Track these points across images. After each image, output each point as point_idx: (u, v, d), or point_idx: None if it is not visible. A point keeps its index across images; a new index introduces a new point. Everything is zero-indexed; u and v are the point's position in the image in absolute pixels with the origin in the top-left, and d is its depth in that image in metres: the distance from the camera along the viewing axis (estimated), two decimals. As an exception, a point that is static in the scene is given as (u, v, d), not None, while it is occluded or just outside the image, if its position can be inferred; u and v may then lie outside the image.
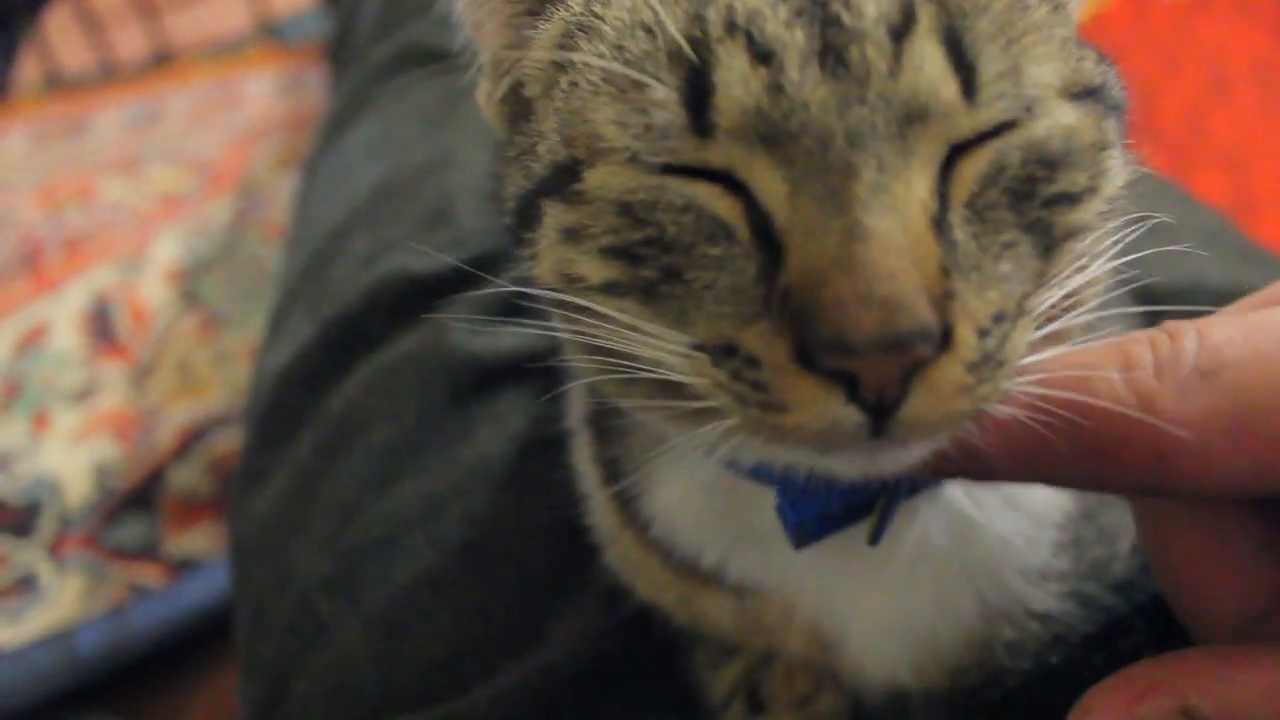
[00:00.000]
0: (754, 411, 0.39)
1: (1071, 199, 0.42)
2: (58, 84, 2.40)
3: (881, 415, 0.37)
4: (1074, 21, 0.47)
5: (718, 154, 0.40)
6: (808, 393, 0.37)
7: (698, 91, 0.39)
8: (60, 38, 2.48)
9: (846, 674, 0.61)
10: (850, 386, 0.37)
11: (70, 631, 1.22)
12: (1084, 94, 0.43)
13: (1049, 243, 0.42)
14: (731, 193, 0.40)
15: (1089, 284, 0.44)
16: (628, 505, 0.60)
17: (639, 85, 0.41)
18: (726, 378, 0.40)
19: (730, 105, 0.39)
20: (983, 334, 0.38)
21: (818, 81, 0.38)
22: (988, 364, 0.38)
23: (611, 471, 0.60)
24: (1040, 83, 0.41)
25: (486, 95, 0.52)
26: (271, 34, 2.42)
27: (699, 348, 0.41)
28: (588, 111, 0.43)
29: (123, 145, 2.10)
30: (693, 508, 0.58)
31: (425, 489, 0.80)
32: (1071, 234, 0.42)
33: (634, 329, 0.42)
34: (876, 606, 0.57)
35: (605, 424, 0.60)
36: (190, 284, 1.69)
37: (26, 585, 1.28)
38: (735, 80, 0.39)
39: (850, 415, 0.37)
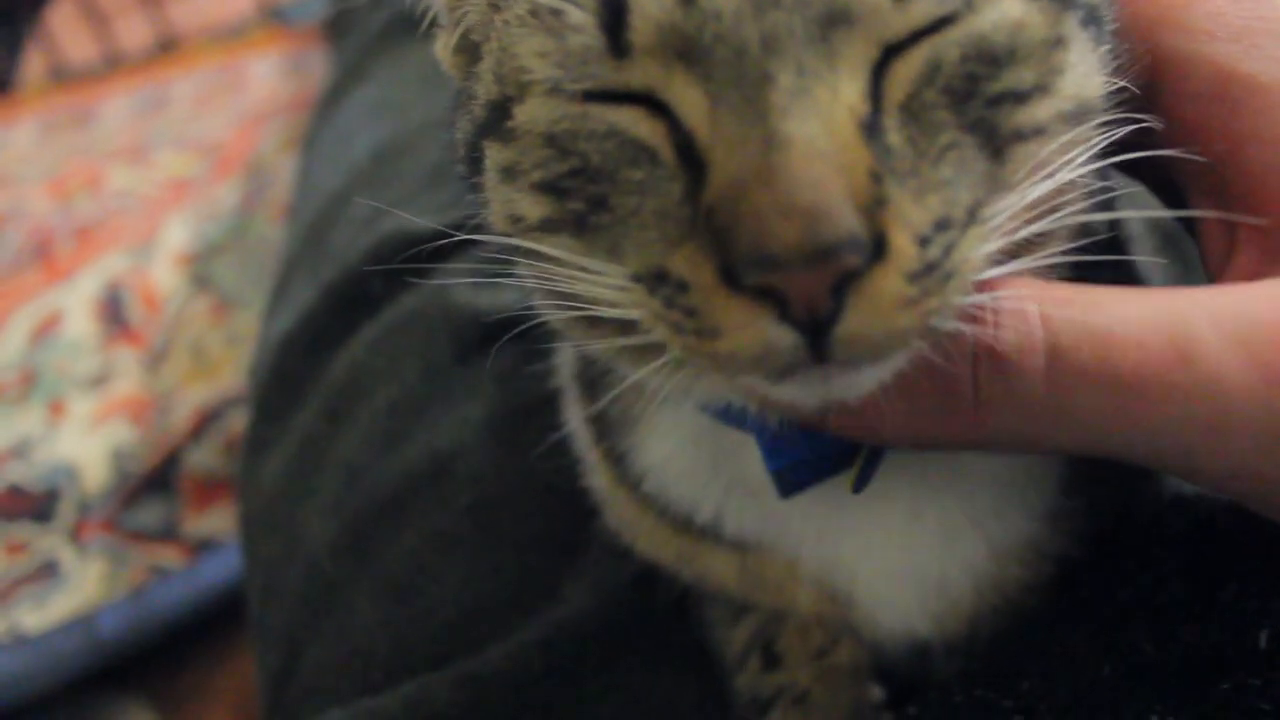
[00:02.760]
0: (690, 339, 0.37)
1: (1018, 97, 0.39)
2: (63, 76, 2.40)
3: (817, 334, 0.35)
4: None
5: (637, 75, 0.39)
6: (738, 315, 0.36)
7: (615, 12, 0.38)
8: (65, 31, 2.48)
9: (861, 626, 0.59)
10: (781, 305, 0.35)
11: (92, 615, 1.22)
12: None
13: (997, 144, 0.39)
14: (654, 115, 0.39)
15: (1062, 190, 0.41)
16: (619, 462, 0.59)
17: (557, 12, 0.39)
18: (661, 306, 0.38)
19: (644, 22, 0.37)
20: (923, 242, 0.36)
21: None
22: (932, 274, 0.36)
23: (601, 428, 0.59)
24: None
25: (443, 46, 0.51)
26: (274, 17, 2.41)
27: (637, 278, 0.39)
28: (514, 45, 0.42)
29: (130, 133, 2.10)
30: (683, 461, 0.56)
31: (431, 448, 0.79)
32: (1021, 135, 0.39)
33: (578, 267, 0.41)
34: (882, 555, 0.56)
35: (593, 379, 0.58)
36: (201, 267, 1.68)
37: (48, 571, 1.28)
38: None
39: (784, 336, 0.35)
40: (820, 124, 0.35)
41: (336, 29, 1.67)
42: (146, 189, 1.90)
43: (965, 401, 0.40)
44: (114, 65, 2.40)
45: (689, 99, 0.38)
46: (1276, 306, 0.38)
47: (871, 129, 0.37)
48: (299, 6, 2.40)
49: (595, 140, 0.40)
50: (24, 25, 2.54)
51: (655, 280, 0.38)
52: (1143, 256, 0.58)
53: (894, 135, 0.37)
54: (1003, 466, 0.54)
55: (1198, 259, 0.49)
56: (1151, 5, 0.46)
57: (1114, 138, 0.42)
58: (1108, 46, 0.43)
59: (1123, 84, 0.43)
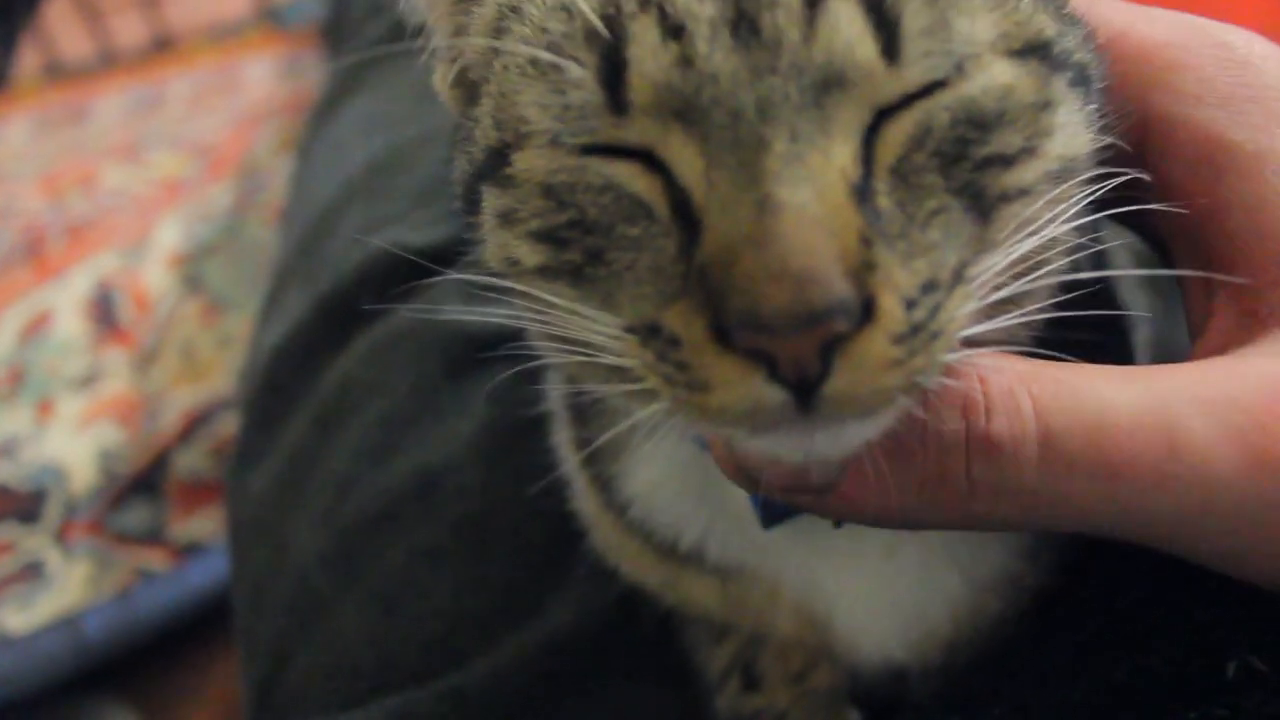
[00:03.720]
0: (680, 392, 0.38)
1: (1006, 160, 0.40)
2: (58, 72, 2.39)
3: (805, 393, 0.36)
4: None
5: (635, 132, 0.39)
6: (728, 372, 0.36)
7: (614, 69, 0.38)
8: (60, 26, 2.47)
9: (840, 651, 0.60)
10: (770, 364, 0.36)
11: (77, 616, 1.22)
12: (1026, 50, 0.41)
13: (984, 206, 0.40)
14: (651, 171, 0.40)
15: (1046, 247, 0.42)
16: (606, 487, 0.59)
17: (557, 66, 0.40)
18: (653, 358, 0.39)
19: (642, 82, 0.38)
20: (910, 305, 0.37)
21: (728, 52, 0.37)
22: (918, 335, 0.37)
23: (589, 454, 0.59)
24: (972, 39, 0.39)
25: (441, 78, 0.52)
26: (270, 18, 2.41)
27: (630, 329, 0.40)
28: (514, 94, 0.43)
29: (124, 131, 2.10)
30: (669, 488, 0.57)
31: (420, 463, 0.80)
32: (1008, 197, 0.40)
33: (572, 313, 0.42)
34: (861, 584, 0.56)
35: (581, 405, 0.59)
36: (192, 269, 1.68)
37: (34, 571, 1.28)
38: (646, 56, 0.38)
39: (772, 394, 0.36)
40: (813, 189, 0.36)
41: (333, 35, 1.67)
42: (140, 188, 1.89)
43: (958, 489, 0.41)
44: (109, 63, 2.39)
45: (686, 158, 0.38)
46: (1261, 390, 0.39)
47: (863, 193, 0.37)
48: (294, 8, 2.40)
49: (592, 193, 0.40)
50: (19, 21, 2.53)
51: (648, 333, 0.39)
52: (1128, 292, 0.59)
53: (884, 199, 0.38)
54: None
55: (1178, 290, 0.50)
56: (1143, 66, 0.46)
57: (1100, 193, 0.43)
58: (1096, 104, 0.44)
59: (1110, 141, 0.44)
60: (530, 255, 0.43)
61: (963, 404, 0.40)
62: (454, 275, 0.48)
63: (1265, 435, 0.38)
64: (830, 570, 0.56)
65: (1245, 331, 0.43)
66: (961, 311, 0.39)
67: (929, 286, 0.37)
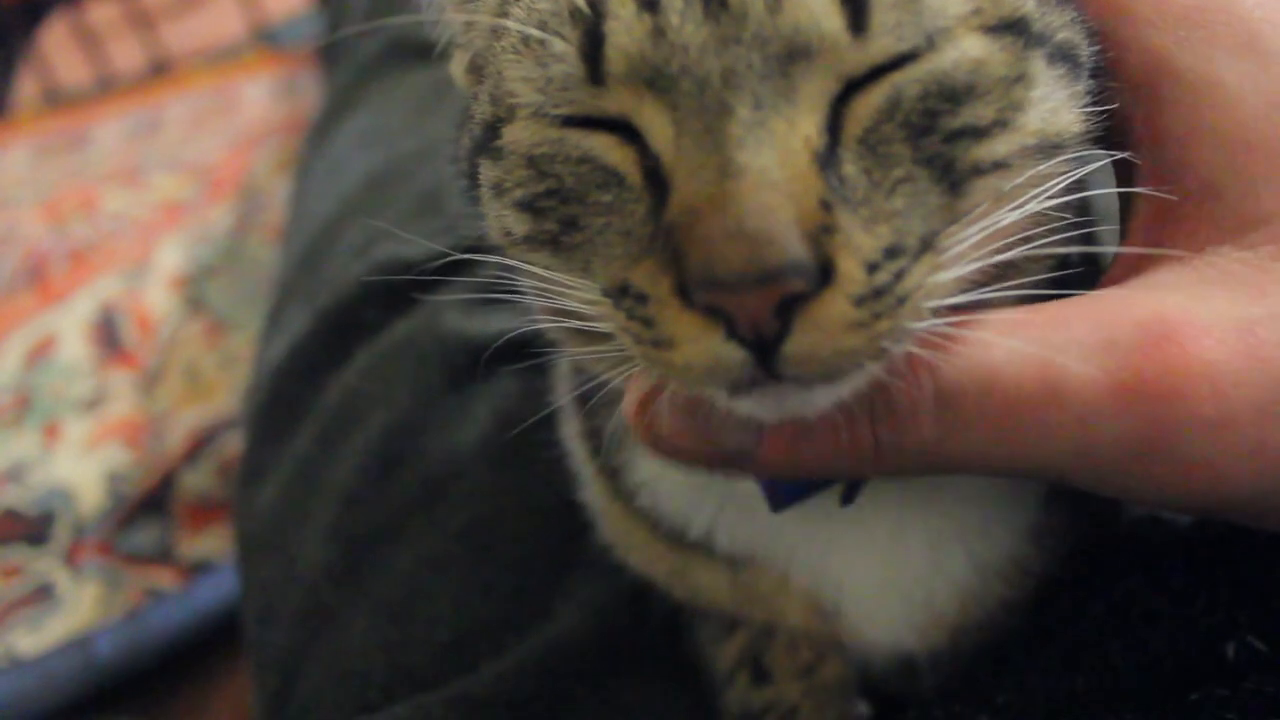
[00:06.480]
0: (649, 349, 0.40)
1: (977, 132, 0.40)
2: (57, 99, 2.41)
3: (764, 352, 0.37)
4: None
5: (613, 101, 0.41)
6: (690, 328, 0.38)
7: (594, 43, 0.40)
8: (58, 53, 2.49)
9: (848, 640, 0.61)
10: (729, 322, 0.37)
11: (88, 637, 1.23)
12: (1001, 26, 0.41)
13: (955, 178, 0.40)
14: (625, 143, 0.41)
15: (1036, 221, 0.43)
16: (614, 477, 0.60)
17: (542, 41, 0.42)
18: (624, 318, 0.40)
19: (617, 53, 0.40)
20: (871, 268, 0.38)
21: (698, 24, 0.39)
22: (881, 299, 0.38)
23: (597, 444, 0.60)
24: (943, 13, 0.40)
25: (457, 64, 0.54)
26: (267, 40, 2.43)
27: (606, 293, 0.42)
28: (506, 70, 0.45)
29: (123, 156, 2.11)
30: (676, 476, 0.58)
31: (425, 472, 0.81)
32: (981, 170, 0.41)
33: (556, 281, 0.44)
34: (870, 570, 0.57)
35: (588, 395, 0.60)
36: (195, 290, 1.70)
37: (44, 594, 1.29)
38: (622, 28, 0.40)
39: (731, 352, 0.37)
40: (774, 154, 0.37)
41: (329, 55, 1.68)
42: (140, 211, 1.91)
43: (867, 449, 0.43)
44: (107, 88, 2.41)
45: (657, 125, 0.40)
46: (1136, 332, 0.40)
47: (827, 160, 0.39)
48: (290, 29, 2.42)
49: (570, 164, 0.43)
50: (17, 48, 2.55)
51: (619, 293, 0.41)
52: (1109, 235, 0.59)
53: (849, 166, 0.39)
54: (987, 484, 0.55)
55: None
56: None
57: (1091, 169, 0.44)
58: (1085, 84, 0.44)
59: (1103, 119, 0.44)
60: (517, 224, 0.45)
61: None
62: (457, 255, 0.50)
63: (1137, 377, 0.39)
64: (839, 556, 0.57)
65: (1146, 260, 0.44)
66: (931, 280, 0.39)
67: (893, 251, 0.38)
